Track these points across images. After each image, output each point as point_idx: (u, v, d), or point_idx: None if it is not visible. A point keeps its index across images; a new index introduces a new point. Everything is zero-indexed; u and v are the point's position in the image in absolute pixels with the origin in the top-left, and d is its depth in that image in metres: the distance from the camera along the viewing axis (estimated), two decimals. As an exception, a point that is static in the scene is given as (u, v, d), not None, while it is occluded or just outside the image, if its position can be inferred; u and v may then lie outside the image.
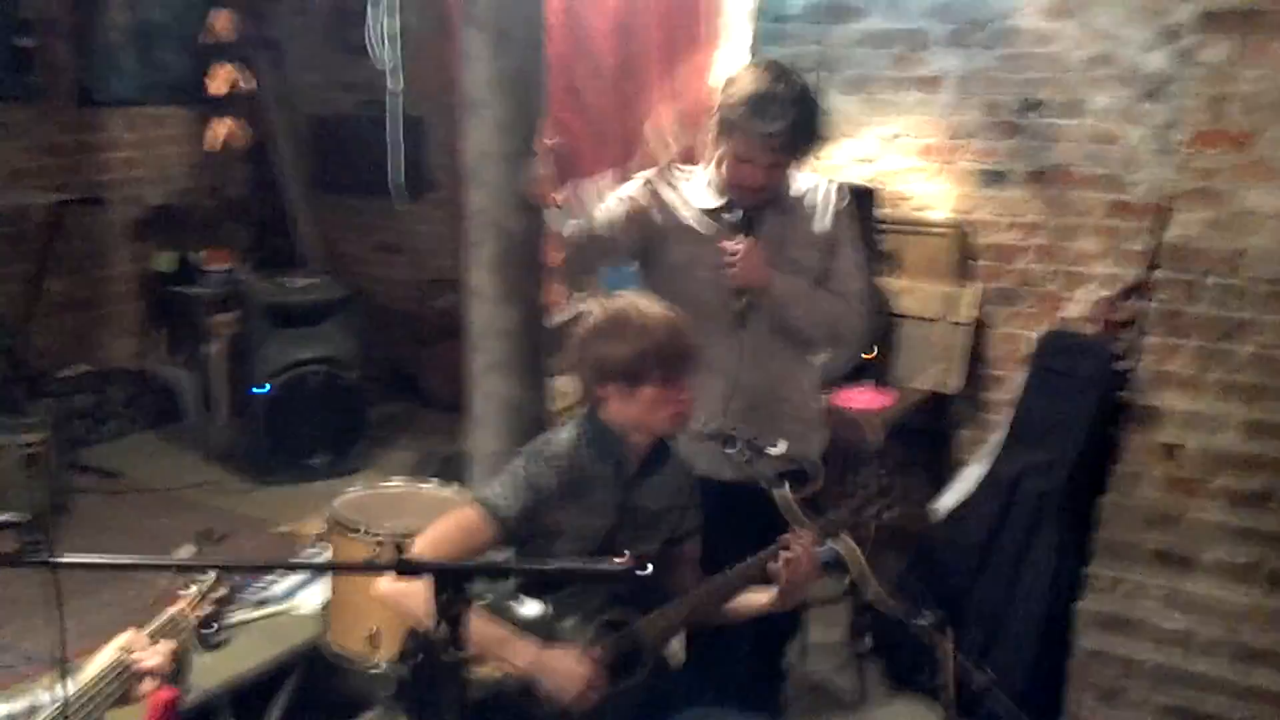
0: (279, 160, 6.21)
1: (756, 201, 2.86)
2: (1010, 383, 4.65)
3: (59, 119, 5.46)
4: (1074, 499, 3.79)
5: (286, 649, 3.50)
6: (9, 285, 5.19)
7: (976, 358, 4.71)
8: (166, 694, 2.01)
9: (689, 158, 3.06)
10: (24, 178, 5.30)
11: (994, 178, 4.64)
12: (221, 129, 5.64)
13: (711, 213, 2.90)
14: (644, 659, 2.44)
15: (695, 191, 2.93)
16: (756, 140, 2.72)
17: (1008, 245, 4.65)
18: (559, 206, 2.94)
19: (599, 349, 2.41)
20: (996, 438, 4.15)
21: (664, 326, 2.39)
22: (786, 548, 2.42)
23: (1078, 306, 4.53)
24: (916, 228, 4.77)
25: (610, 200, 2.92)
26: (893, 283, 4.77)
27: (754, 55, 4.33)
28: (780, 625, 3.23)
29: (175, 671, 1.99)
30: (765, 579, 2.47)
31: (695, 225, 2.90)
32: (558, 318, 3.68)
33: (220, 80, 5.59)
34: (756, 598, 2.52)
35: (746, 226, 2.84)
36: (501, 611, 2.39)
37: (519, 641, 2.33)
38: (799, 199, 2.94)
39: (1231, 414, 3.60)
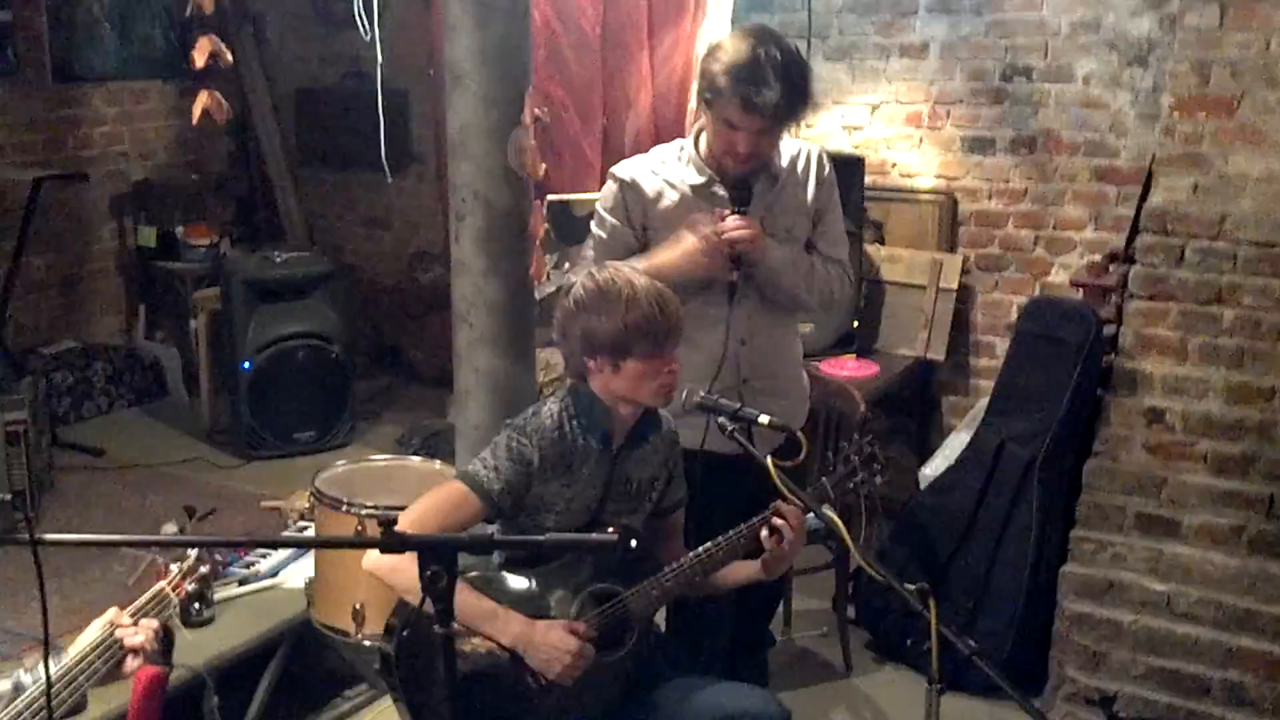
0: (262, 134, 6.17)
1: (745, 172, 2.82)
2: (995, 350, 4.67)
3: (38, 95, 5.41)
4: (1058, 465, 3.80)
5: (272, 625, 3.50)
6: (-10, 262, 5.16)
7: (961, 325, 4.72)
8: (152, 672, 2.01)
9: (677, 132, 3.03)
10: (3, 154, 5.27)
11: (980, 144, 4.63)
12: (202, 103, 5.59)
13: (699, 188, 2.87)
14: (631, 631, 2.44)
15: (679, 170, 2.89)
16: (747, 108, 2.67)
17: (993, 212, 4.65)
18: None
19: (585, 321, 2.40)
20: (981, 405, 4.15)
21: (650, 299, 2.38)
22: (775, 517, 2.43)
23: (1063, 273, 4.54)
24: (902, 195, 4.77)
25: (607, 241, 2.90)
26: (878, 251, 4.77)
27: (739, 22, 4.30)
28: (765, 594, 3.25)
29: (160, 649, 1.98)
30: (753, 549, 2.47)
31: (683, 204, 2.87)
32: (543, 290, 3.67)
33: (201, 54, 5.53)
34: (743, 567, 2.53)
35: (739, 199, 2.81)
36: (488, 585, 2.40)
37: (505, 616, 2.33)
38: (785, 167, 2.92)
39: (1215, 378, 3.61)
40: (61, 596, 3.54)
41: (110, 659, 1.92)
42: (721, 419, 2.53)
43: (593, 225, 2.98)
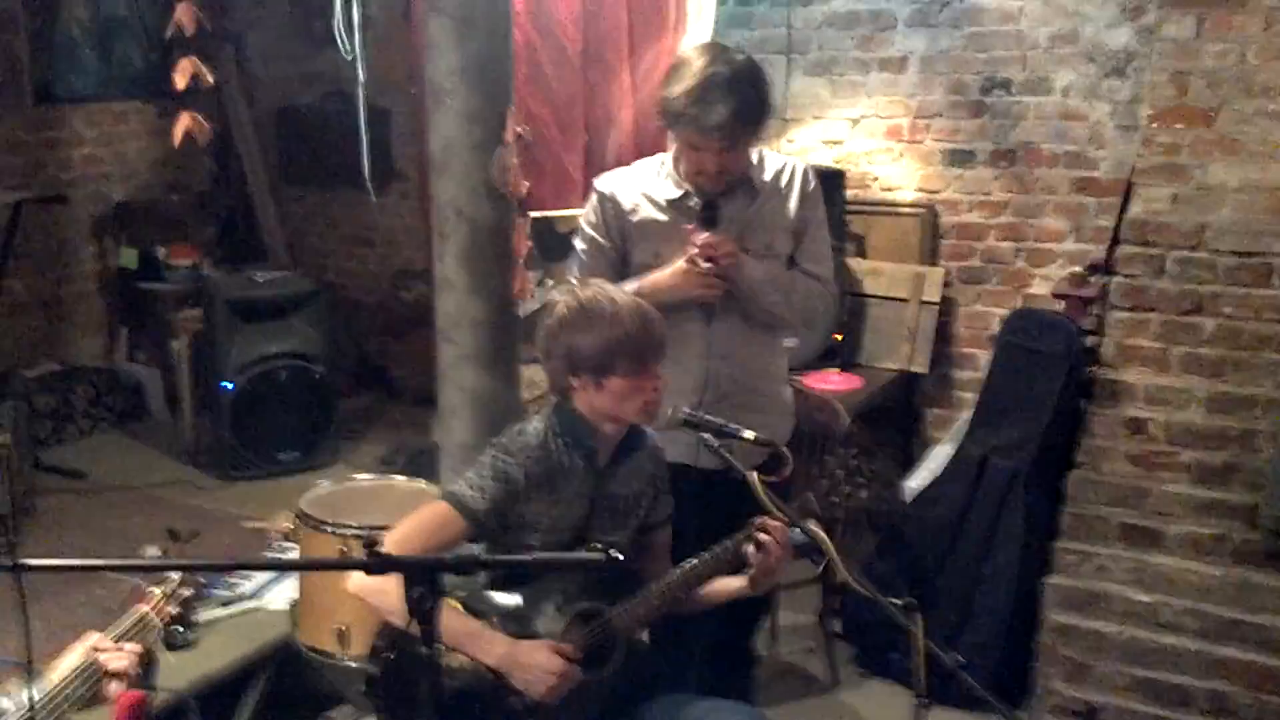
0: (243, 154, 6.16)
1: (719, 187, 2.83)
2: (978, 362, 4.68)
3: (19, 116, 5.39)
4: (1042, 476, 3.81)
5: (256, 647, 3.47)
6: (-30, 285, 5.13)
7: (944, 337, 4.74)
8: (134, 696, 2.00)
9: (660, 147, 3.03)
10: (-17, 176, 5.25)
11: (960, 157, 4.65)
12: (184, 125, 5.58)
13: (675, 202, 2.88)
14: (617, 648, 2.43)
15: (657, 184, 2.90)
16: (701, 130, 2.68)
17: (974, 224, 4.66)
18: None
19: (568, 339, 2.40)
20: (965, 417, 4.16)
21: (633, 316, 2.38)
22: (759, 532, 2.42)
23: (1044, 284, 4.56)
24: (884, 208, 4.79)
25: (588, 252, 2.91)
26: (860, 264, 4.78)
27: (720, 38, 4.32)
28: (750, 609, 3.23)
29: (142, 673, 1.97)
30: (737, 565, 2.46)
31: (660, 218, 2.87)
32: (527, 308, 3.67)
33: (183, 76, 5.53)
34: (728, 583, 2.52)
35: (708, 216, 2.81)
36: (473, 605, 2.38)
37: (490, 636, 2.32)
38: (767, 182, 2.92)
39: (1197, 388, 3.63)
40: (43, 620, 3.51)
41: (92, 683, 1.90)
42: (706, 435, 2.53)
43: (575, 238, 2.99)
